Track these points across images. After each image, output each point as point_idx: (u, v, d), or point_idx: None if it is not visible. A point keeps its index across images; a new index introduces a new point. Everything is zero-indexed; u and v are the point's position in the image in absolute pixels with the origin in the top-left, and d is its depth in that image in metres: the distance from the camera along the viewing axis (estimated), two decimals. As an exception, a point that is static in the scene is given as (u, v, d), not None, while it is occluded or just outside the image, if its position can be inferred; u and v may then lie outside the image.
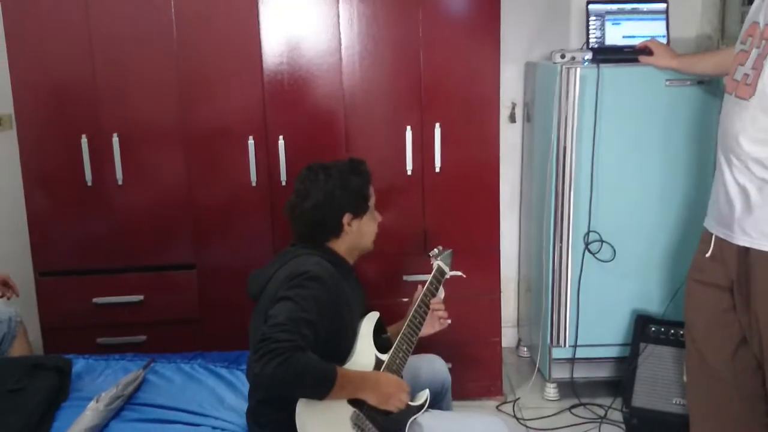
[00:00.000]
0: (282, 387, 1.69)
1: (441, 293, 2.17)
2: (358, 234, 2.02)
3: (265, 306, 1.83)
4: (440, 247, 2.22)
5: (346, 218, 1.99)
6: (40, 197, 2.67)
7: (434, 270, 2.16)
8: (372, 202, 2.07)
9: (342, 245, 2.01)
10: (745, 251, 1.96)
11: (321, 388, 1.72)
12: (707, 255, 2.08)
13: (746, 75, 1.94)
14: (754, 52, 1.93)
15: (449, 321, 2.18)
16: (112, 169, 2.64)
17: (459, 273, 2.24)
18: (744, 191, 1.94)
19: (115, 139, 2.62)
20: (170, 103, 2.63)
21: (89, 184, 2.65)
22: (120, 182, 2.65)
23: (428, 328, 2.13)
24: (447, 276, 2.19)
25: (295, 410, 1.74)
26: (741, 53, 2.00)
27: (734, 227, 1.97)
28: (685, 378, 2.38)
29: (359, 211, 2.01)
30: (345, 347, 1.91)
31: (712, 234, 2.07)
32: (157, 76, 2.61)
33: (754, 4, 2.01)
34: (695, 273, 2.17)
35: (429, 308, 2.10)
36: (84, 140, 2.61)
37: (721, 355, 2.08)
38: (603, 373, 2.91)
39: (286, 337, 1.67)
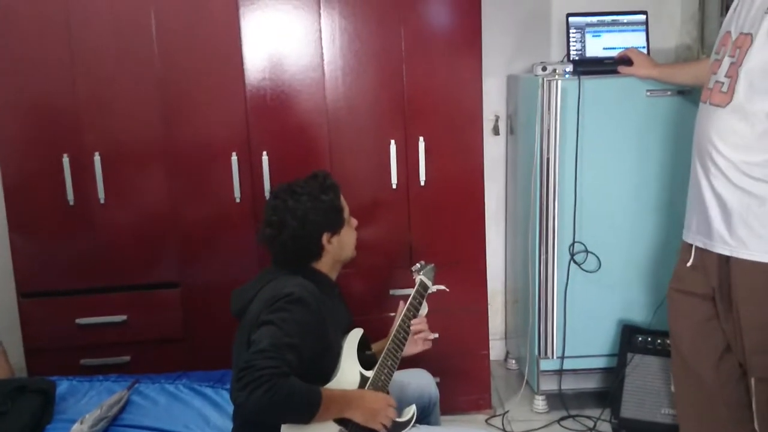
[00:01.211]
0: (267, 415, 1.68)
1: (424, 308, 2.14)
2: (339, 248, 2.00)
3: (248, 328, 1.82)
4: (422, 262, 2.20)
5: (325, 238, 1.96)
6: (21, 217, 2.64)
7: (417, 285, 2.14)
8: (346, 212, 2.03)
9: (325, 264, 2.00)
10: (726, 260, 1.97)
11: (306, 413, 1.71)
12: (688, 264, 2.09)
13: (719, 83, 1.96)
14: (726, 61, 1.95)
15: (433, 338, 2.15)
16: (95, 188, 2.62)
17: (442, 287, 2.22)
18: (721, 199, 1.95)
19: (97, 158, 2.60)
20: (152, 121, 2.62)
21: (71, 203, 2.62)
22: (102, 201, 2.63)
23: (411, 348, 2.09)
24: (430, 291, 2.17)
25: (280, 430, 1.73)
26: (714, 62, 2.03)
27: (713, 236, 1.98)
28: (673, 388, 2.38)
29: (337, 227, 1.98)
30: (329, 366, 1.89)
31: (691, 244, 2.08)
32: (139, 93, 2.60)
33: (727, 15, 2.04)
34: (676, 282, 2.18)
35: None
36: (66, 159, 2.59)
37: (706, 364, 2.09)
38: (591, 384, 2.90)
39: (270, 364, 1.66)
